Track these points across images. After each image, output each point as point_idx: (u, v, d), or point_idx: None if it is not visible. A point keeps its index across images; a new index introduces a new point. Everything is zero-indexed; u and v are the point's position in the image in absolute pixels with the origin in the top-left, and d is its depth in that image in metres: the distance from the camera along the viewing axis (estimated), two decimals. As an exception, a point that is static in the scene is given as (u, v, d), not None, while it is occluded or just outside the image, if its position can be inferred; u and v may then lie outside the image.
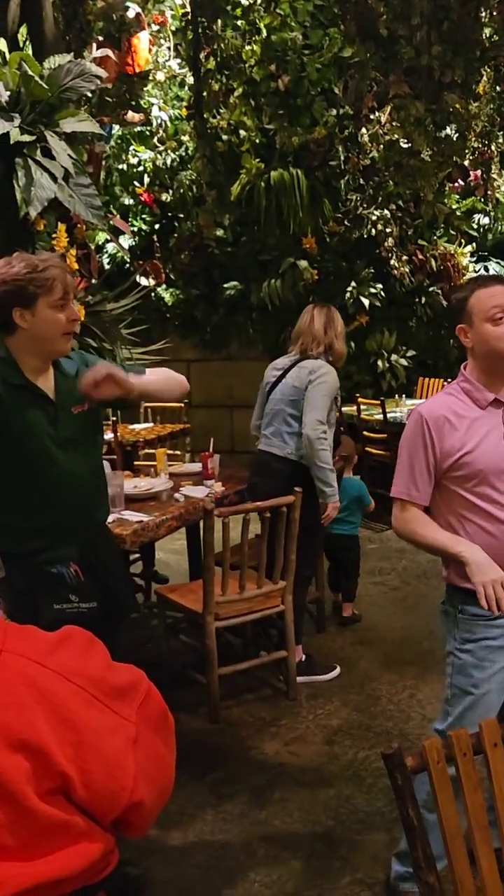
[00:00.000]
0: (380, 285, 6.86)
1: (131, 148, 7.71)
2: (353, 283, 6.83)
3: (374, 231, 6.73)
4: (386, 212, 6.74)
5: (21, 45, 4.57)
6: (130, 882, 2.60)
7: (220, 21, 6.57)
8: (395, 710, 3.63)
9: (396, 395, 6.97)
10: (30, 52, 4.07)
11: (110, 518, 2.80)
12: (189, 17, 6.67)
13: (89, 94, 4.74)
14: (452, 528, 2.27)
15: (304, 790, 3.10)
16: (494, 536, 2.20)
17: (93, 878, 1.13)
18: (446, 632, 2.37)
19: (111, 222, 3.97)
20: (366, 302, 6.73)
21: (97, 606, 2.38)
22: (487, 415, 2.24)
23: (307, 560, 3.97)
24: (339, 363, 3.91)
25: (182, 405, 6.83)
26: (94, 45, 4.34)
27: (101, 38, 5.18)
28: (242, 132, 6.88)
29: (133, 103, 5.57)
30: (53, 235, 3.49)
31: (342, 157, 6.69)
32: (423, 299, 7.08)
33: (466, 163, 7.00)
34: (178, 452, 6.01)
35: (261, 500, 3.63)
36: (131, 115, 5.48)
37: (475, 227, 7.46)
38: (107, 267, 7.74)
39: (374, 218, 6.70)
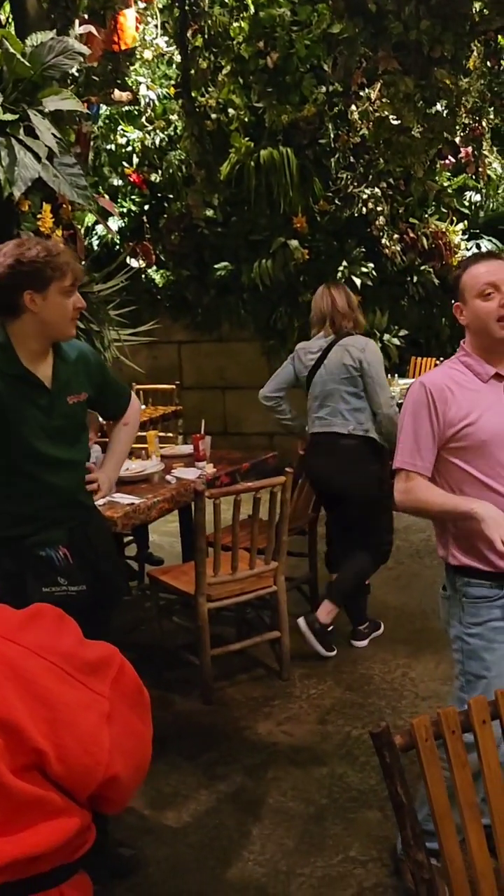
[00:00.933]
0: (371, 264, 6.82)
1: (119, 128, 7.63)
2: (344, 263, 6.79)
3: (364, 210, 6.68)
4: (377, 190, 6.68)
5: (3, 22, 4.51)
6: (124, 862, 2.61)
7: (207, -3, 6.50)
8: (388, 689, 3.64)
9: (389, 375, 6.93)
10: (12, 29, 4.00)
11: (101, 501, 2.79)
12: (176, -7, 6.59)
13: (75, 73, 4.68)
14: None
15: (298, 769, 3.11)
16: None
17: (70, 855, 1.12)
18: (450, 617, 2.35)
19: (97, 202, 3.93)
20: (357, 281, 6.69)
21: (86, 589, 2.37)
22: (489, 388, 2.26)
23: (384, 533, 4.17)
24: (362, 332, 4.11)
25: (174, 387, 6.81)
26: (78, 23, 4.28)
27: (86, 16, 5.10)
28: (231, 111, 6.80)
29: (119, 82, 5.50)
30: (38, 216, 3.45)
31: (332, 135, 6.62)
32: (415, 278, 7.04)
33: (457, 139, 6.94)
34: (170, 435, 5.98)
35: (326, 480, 3.93)
36: (118, 94, 5.40)
37: (466, 204, 7.42)
38: (96, 249, 7.69)
39: (364, 196, 6.65)
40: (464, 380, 2.27)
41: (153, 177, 7.55)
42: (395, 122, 6.25)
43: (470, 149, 7.08)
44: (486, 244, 7.20)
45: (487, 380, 2.25)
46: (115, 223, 7.54)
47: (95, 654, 1.16)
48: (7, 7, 4.40)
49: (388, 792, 1.54)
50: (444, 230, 7.02)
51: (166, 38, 7.23)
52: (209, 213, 7.14)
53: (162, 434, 5.28)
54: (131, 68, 6.65)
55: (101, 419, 3.34)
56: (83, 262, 4.29)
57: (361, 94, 6.36)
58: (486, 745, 1.62)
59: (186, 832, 2.80)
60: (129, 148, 7.60)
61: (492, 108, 7.15)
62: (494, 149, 7.58)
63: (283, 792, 2.98)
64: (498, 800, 1.61)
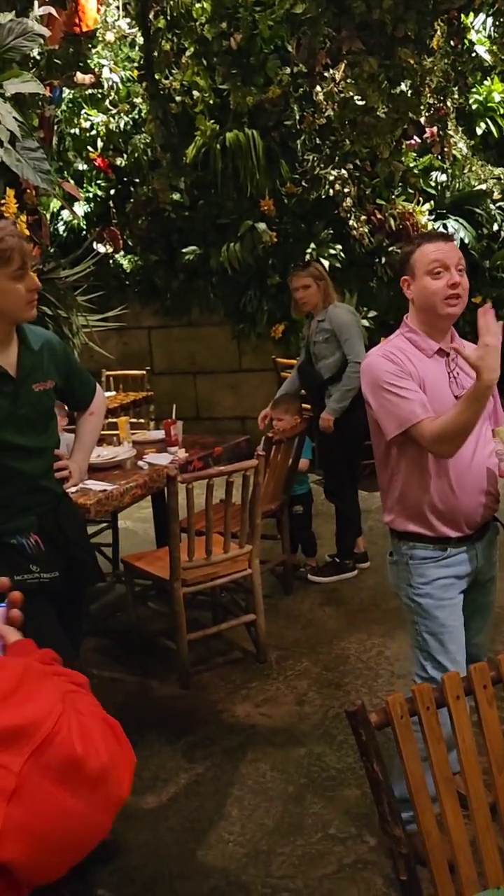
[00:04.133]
0: (339, 246, 6.80)
1: (83, 112, 7.54)
2: (312, 245, 6.76)
3: (331, 191, 6.65)
4: (343, 171, 6.65)
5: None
6: (105, 848, 2.61)
7: (168, -23, 6.42)
8: (364, 668, 3.67)
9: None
10: (-29, 12, 3.94)
11: (73, 488, 2.78)
12: (137, -26, 6.51)
13: (36, 56, 4.61)
14: (405, 475, 2.32)
15: (276, 750, 3.13)
16: (448, 477, 2.27)
17: None
18: (399, 581, 2.44)
19: (61, 187, 3.88)
20: (326, 263, 6.67)
21: (59, 576, 2.37)
22: (434, 363, 2.33)
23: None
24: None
25: (144, 373, 6.78)
26: (38, 4, 4.21)
27: (46, -2, 5.02)
28: (196, 93, 6.74)
29: (82, 64, 5.42)
30: (2, 201, 3.41)
31: (297, 117, 6.59)
32: (383, 259, 7.04)
33: (422, 119, 6.94)
34: (141, 421, 5.96)
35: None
36: (81, 77, 5.33)
37: (433, 184, 7.42)
38: (63, 235, 7.61)
39: (331, 178, 6.62)
40: (410, 354, 2.32)
41: (118, 161, 7.47)
42: (360, 103, 6.23)
43: (435, 129, 7.08)
44: (452, 224, 7.20)
45: (431, 355, 2.33)
46: (80, 208, 7.46)
47: (16, 719, 0.97)
48: (-35, -11, 4.31)
49: (365, 769, 1.55)
50: (411, 211, 7.00)
51: (128, 20, 7.14)
52: (176, 196, 7.09)
53: (133, 420, 5.25)
54: (93, 51, 6.57)
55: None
56: (49, 249, 4.25)
57: (326, 74, 6.32)
58: (459, 719, 1.64)
59: (167, 815, 2.82)
60: (94, 132, 7.50)
61: (456, 88, 7.16)
62: (460, 129, 7.57)
63: (262, 773, 3.00)
64: (472, 774, 1.64)
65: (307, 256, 6.68)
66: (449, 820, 1.61)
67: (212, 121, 6.64)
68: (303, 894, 2.42)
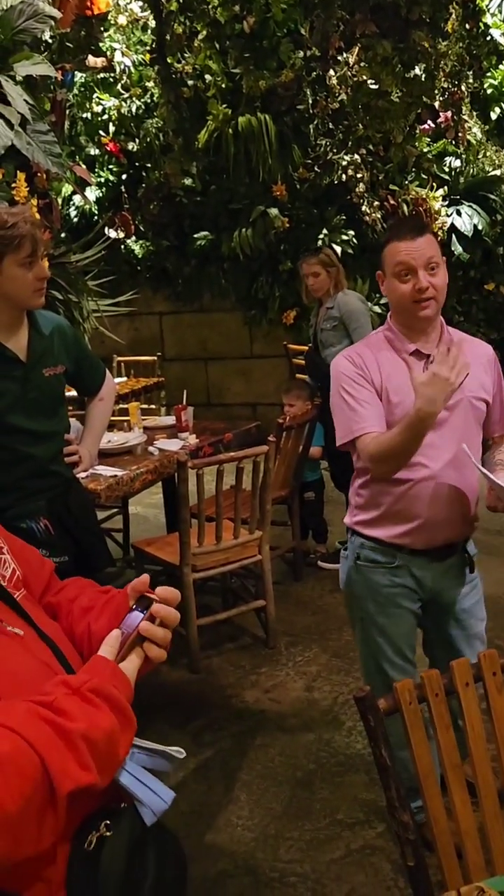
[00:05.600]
0: (352, 232, 6.77)
1: (95, 96, 7.51)
2: (324, 231, 6.73)
3: (344, 177, 6.61)
4: (356, 157, 6.61)
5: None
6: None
7: (181, -40, 6.37)
8: (374, 655, 3.67)
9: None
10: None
11: (83, 474, 2.78)
12: (149, -44, 6.47)
13: (48, 40, 4.58)
14: (366, 473, 2.25)
15: (285, 735, 3.13)
16: (408, 484, 2.17)
17: None
18: (348, 579, 2.37)
19: (72, 171, 3.87)
20: (338, 249, 6.63)
21: (69, 560, 2.37)
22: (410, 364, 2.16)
23: None
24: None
25: (155, 359, 6.77)
26: (49, -14, 4.18)
27: (57, -20, 4.99)
28: (208, 77, 6.70)
29: (93, 48, 5.39)
30: (12, 185, 3.40)
31: (310, 101, 6.54)
32: (396, 245, 7.00)
33: (436, 104, 6.87)
34: (152, 407, 5.95)
35: None
36: (92, 60, 5.29)
37: (446, 170, 7.35)
38: (74, 220, 7.59)
39: (344, 163, 6.58)
40: (384, 356, 2.21)
41: (130, 146, 7.45)
42: (374, 87, 6.18)
43: (449, 113, 7.00)
44: (466, 210, 7.14)
45: (406, 357, 2.15)
46: (92, 193, 7.44)
47: None
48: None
49: (373, 754, 1.55)
50: (424, 197, 6.95)
51: (140, 3, 7.10)
52: (187, 181, 7.06)
53: (144, 406, 5.25)
54: (105, 34, 6.53)
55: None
56: (61, 233, 4.24)
57: (339, 58, 6.27)
58: (469, 706, 1.63)
59: (175, 800, 2.80)
60: (105, 116, 7.48)
61: (471, 72, 7.08)
62: (474, 113, 7.50)
63: (271, 758, 3.00)
64: (481, 761, 1.63)
65: (319, 242, 6.65)
66: (457, 806, 1.60)
67: (224, 105, 6.60)
68: (310, 879, 2.42)
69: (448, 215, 6.97)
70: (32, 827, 0.99)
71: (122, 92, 7.41)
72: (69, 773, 1.01)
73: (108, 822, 1.12)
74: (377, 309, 6.82)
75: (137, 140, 7.39)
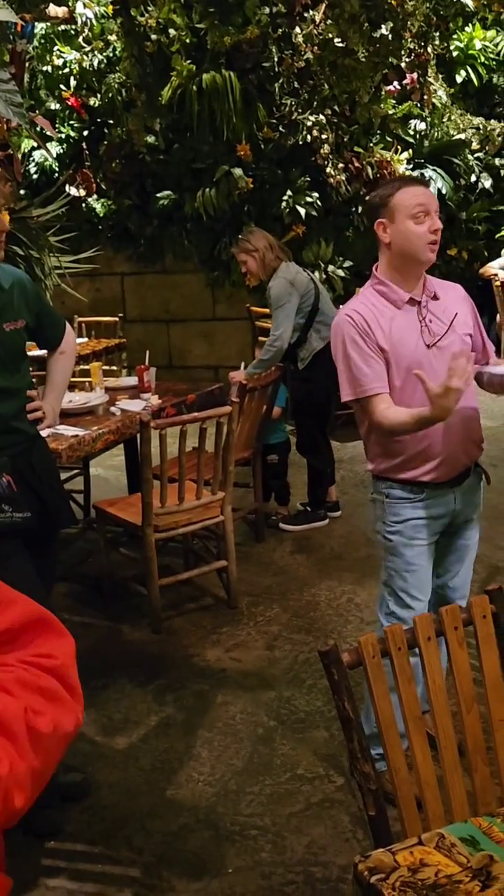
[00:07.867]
0: (316, 194, 6.72)
1: (56, 48, 7.32)
2: (288, 192, 6.67)
3: (309, 137, 6.54)
4: (321, 117, 6.54)
5: None
6: (76, 787, 2.64)
7: None
8: (334, 615, 3.71)
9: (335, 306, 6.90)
10: None
11: (46, 432, 2.75)
12: None
13: (7, -13, 4.45)
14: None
15: (246, 693, 3.16)
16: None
17: None
18: (376, 518, 2.49)
19: (34, 122, 3.77)
20: (302, 211, 6.60)
21: (32, 516, 2.35)
22: (404, 314, 2.31)
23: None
24: None
25: (117, 319, 6.70)
26: None
27: None
28: (172, 31, 6.56)
29: (54, -3, 5.25)
30: (-28, 136, 3.32)
31: (276, 59, 6.44)
32: (360, 208, 6.97)
33: (403, 65, 6.82)
34: (113, 368, 5.90)
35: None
36: (53, 10, 5.16)
37: (411, 133, 7.32)
38: (34, 176, 7.44)
39: (309, 123, 6.51)
40: (380, 309, 2.31)
41: (92, 101, 7.28)
42: (340, 45, 6.10)
43: (415, 75, 6.96)
44: (430, 173, 7.13)
45: (402, 306, 2.31)
46: (53, 148, 7.29)
47: None
48: None
49: (336, 707, 1.57)
50: (388, 159, 6.92)
51: (103, -48, 6.91)
52: (150, 139, 6.94)
53: (105, 367, 5.20)
54: (66, -16, 6.36)
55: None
56: (20, 189, 4.15)
57: (306, 15, 6.18)
58: (430, 660, 1.66)
59: (137, 756, 2.85)
60: (66, 70, 7.30)
61: (437, 33, 7.03)
62: (440, 76, 7.47)
63: (232, 716, 3.03)
64: (441, 714, 1.66)
65: (283, 204, 6.60)
66: (417, 757, 1.63)
67: (188, 61, 6.47)
68: (270, 832, 2.46)
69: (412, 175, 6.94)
70: None
71: (84, 45, 7.23)
72: None
73: None
74: (340, 273, 6.82)
75: (99, 95, 7.23)
